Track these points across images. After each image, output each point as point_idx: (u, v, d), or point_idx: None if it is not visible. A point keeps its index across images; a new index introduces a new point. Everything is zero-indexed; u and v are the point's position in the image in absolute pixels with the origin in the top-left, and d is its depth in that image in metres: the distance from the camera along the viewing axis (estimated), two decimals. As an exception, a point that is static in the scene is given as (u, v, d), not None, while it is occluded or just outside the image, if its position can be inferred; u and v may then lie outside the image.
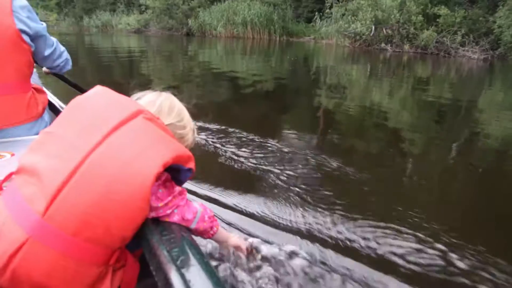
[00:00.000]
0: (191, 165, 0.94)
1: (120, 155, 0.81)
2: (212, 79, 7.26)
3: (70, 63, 1.66)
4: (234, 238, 1.21)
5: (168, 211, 0.91)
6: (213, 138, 3.20)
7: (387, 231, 1.82)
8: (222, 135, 3.27)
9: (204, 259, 0.76)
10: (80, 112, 0.89)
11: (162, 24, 22.37)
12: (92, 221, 0.77)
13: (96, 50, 12.88)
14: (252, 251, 1.28)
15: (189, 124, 1.07)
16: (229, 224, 1.83)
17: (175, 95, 1.06)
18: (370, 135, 3.93)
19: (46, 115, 1.58)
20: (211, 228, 1.05)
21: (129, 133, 0.85)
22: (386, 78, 7.89)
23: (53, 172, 0.79)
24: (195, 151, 0.97)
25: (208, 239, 1.10)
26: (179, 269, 0.70)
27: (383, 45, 13.95)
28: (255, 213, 1.97)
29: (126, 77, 6.95)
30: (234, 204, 2.04)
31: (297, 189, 2.29)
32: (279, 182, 2.38)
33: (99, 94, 0.95)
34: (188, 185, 2.20)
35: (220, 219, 1.85)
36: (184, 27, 21.57)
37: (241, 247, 1.22)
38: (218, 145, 3.00)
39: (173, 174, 0.94)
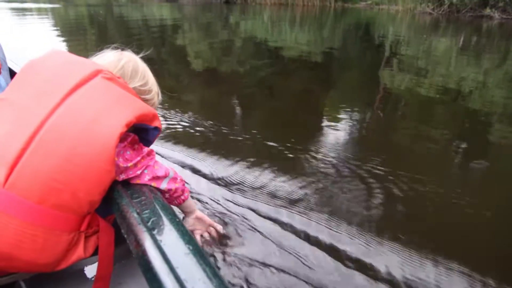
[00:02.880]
0: (157, 123, 0.97)
1: (80, 116, 0.84)
2: (255, 52, 7.05)
3: None
4: (198, 211, 1.30)
5: (138, 172, 0.95)
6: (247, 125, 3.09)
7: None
8: (261, 118, 3.23)
9: (176, 219, 0.80)
10: (35, 75, 0.92)
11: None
12: (56, 187, 0.80)
13: (126, 21, 12.66)
14: (213, 229, 1.40)
15: (154, 87, 1.11)
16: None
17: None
18: (448, 130, 3.13)
19: (2, 80, 1.65)
20: (183, 192, 1.09)
21: (89, 94, 0.88)
22: (487, 55, 6.61)
23: (10, 139, 0.82)
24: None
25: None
26: (149, 230, 0.74)
27: (488, 10, 11.91)
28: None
29: (159, 52, 6.73)
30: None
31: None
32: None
33: (54, 55, 0.98)
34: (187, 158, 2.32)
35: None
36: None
37: (203, 220, 1.32)
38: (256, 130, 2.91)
39: (140, 134, 0.97)
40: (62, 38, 7.96)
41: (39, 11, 15.18)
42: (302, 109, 3.71)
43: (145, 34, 9.21)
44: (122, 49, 1.10)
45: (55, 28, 9.99)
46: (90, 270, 1.14)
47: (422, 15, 13.62)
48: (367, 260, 1.53)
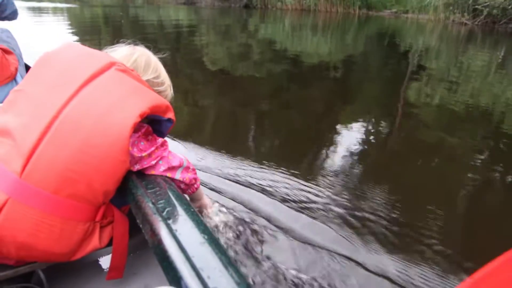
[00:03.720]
0: (170, 115, 1.01)
1: (94, 107, 0.87)
2: (273, 58, 6.87)
3: (18, 13, 1.95)
4: (206, 198, 1.33)
5: (153, 162, 0.98)
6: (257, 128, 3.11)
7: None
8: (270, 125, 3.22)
9: (191, 208, 0.83)
10: (50, 67, 0.96)
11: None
12: (72, 177, 0.84)
13: (142, 24, 12.68)
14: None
15: (167, 80, 1.16)
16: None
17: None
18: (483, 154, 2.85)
19: (20, 76, 1.77)
20: (195, 180, 1.13)
21: (103, 85, 0.91)
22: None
23: (26, 130, 0.85)
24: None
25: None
26: (165, 219, 0.77)
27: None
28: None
29: (173, 56, 6.64)
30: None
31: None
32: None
33: (68, 48, 1.01)
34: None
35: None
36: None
37: (210, 205, 1.35)
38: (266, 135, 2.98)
39: (153, 126, 1.01)
40: (77, 37, 8.16)
41: (55, 10, 15.75)
42: (317, 121, 3.63)
43: (160, 36, 9.31)
44: (135, 44, 1.14)
45: (70, 27, 10.25)
46: (105, 260, 1.17)
47: (455, 25, 12.90)
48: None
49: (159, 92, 1.09)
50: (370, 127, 3.46)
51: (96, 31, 10.11)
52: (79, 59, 0.97)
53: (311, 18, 15.40)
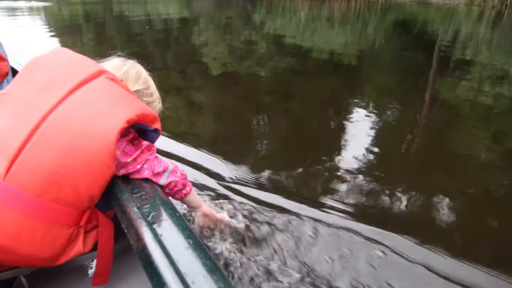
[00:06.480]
0: (157, 125, 1.10)
1: (82, 112, 0.95)
2: (284, 54, 6.76)
3: None
4: (206, 206, 1.42)
5: (138, 166, 1.06)
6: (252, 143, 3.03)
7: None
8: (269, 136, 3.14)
9: (176, 213, 0.90)
10: (39, 71, 1.04)
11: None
12: (57, 180, 0.90)
13: (127, 21, 12.42)
14: (221, 224, 1.55)
15: (156, 93, 1.27)
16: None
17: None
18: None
19: (6, 82, 1.81)
20: (184, 186, 1.21)
21: (91, 91, 1.00)
22: None
23: (11, 132, 0.91)
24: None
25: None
26: (150, 224, 0.84)
27: None
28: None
29: (166, 57, 6.75)
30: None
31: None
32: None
33: (58, 53, 1.10)
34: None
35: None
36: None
37: (211, 216, 1.45)
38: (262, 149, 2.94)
39: (140, 136, 1.11)
40: (59, 38, 8.29)
41: (31, 10, 16.07)
42: (327, 121, 3.64)
43: (152, 35, 9.16)
44: (127, 58, 1.24)
45: (48, 28, 10.39)
46: (90, 265, 1.24)
47: (491, 11, 12.78)
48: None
49: (147, 103, 1.19)
50: (386, 132, 3.40)
51: (76, 31, 10.10)
52: (69, 65, 1.06)
53: (326, 8, 15.25)
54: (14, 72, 2.05)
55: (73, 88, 0.99)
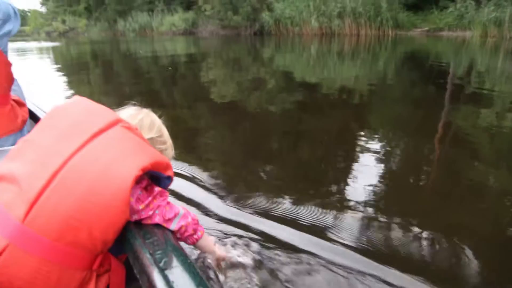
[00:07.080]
0: (170, 172, 1.16)
1: (99, 159, 1.01)
2: (293, 89, 6.92)
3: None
4: (219, 251, 1.49)
5: (150, 213, 1.11)
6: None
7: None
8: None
9: (187, 260, 0.93)
10: (59, 119, 1.12)
11: (224, 22, 22.44)
12: (74, 225, 0.94)
13: (135, 59, 12.88)
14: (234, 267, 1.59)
15: (169, 140, 1.36)
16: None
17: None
18: None
19: (27, 128, 1.90)
20: (195, 231, 1.27)
21: (108, 140, 1.07)
22: None
23: (32, 178, 0.97)
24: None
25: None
26: (162, 270, 0.88)
27: None
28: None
29: (173, 94, 7.01)
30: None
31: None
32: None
33: (78, 103, 1.19)
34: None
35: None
36: (252, 24, 21.95)
37: (226, 259, 1.53)
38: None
39: (153, 182, 1.16)
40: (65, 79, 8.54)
41: (41, 50, 16.71)
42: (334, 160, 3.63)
43: (161, 74, 9.42)
44: (142, 107, 1.33)
45: (57, 68, 10.90)
46: None
47: (508, 42, 12.81)
48: None
49: (161, 151, 1.27)
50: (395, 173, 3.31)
51: (83, 70, 10.45)
52: (87, 114, 1.14)
53: (336, 43, 15.05)
54: (31, 114, 2.14)
55: (91, 136, 1.06)
